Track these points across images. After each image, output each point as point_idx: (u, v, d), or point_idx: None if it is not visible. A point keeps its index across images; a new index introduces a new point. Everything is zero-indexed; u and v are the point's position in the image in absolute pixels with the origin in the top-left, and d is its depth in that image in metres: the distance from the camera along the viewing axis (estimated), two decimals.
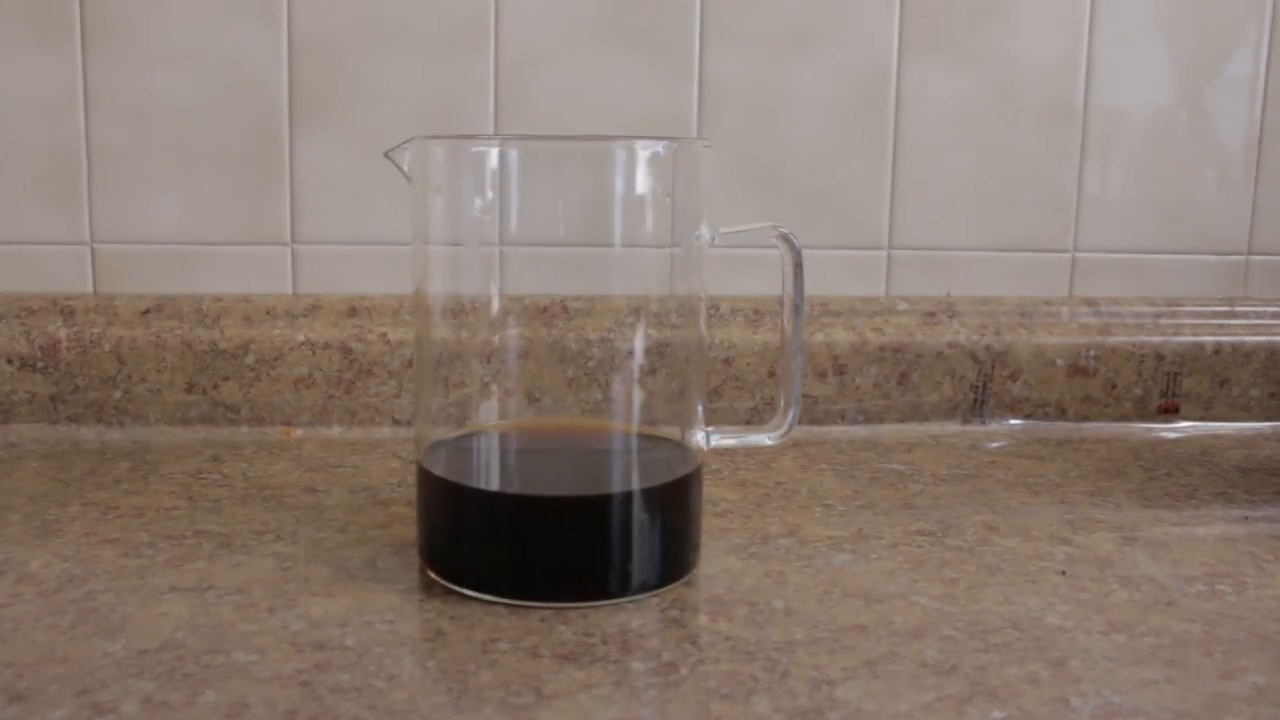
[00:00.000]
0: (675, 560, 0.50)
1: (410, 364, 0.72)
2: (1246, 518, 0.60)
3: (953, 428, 0.76)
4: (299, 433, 0.72)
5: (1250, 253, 0.80)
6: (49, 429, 0.71)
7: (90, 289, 0.74)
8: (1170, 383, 0.78)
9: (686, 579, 0.50)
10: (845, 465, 0.68)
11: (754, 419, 0.75)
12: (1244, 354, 0.78)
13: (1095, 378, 0.77)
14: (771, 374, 0.74)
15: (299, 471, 0.65)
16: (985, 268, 0.79)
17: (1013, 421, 0.77)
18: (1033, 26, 0.77)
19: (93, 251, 0.74)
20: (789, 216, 0.74)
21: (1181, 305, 0.79)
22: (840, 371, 0.75)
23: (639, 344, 0.51)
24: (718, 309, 0.75)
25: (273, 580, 0.50)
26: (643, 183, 0.49)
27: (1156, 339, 0.78)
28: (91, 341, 0.71)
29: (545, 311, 0.52)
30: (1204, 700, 0.41)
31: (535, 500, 0.47)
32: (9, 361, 0.71)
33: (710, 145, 0.52)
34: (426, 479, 0.50)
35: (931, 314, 0.77)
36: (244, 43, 0.72)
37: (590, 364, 0.53)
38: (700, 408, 0.53)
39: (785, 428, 0.53)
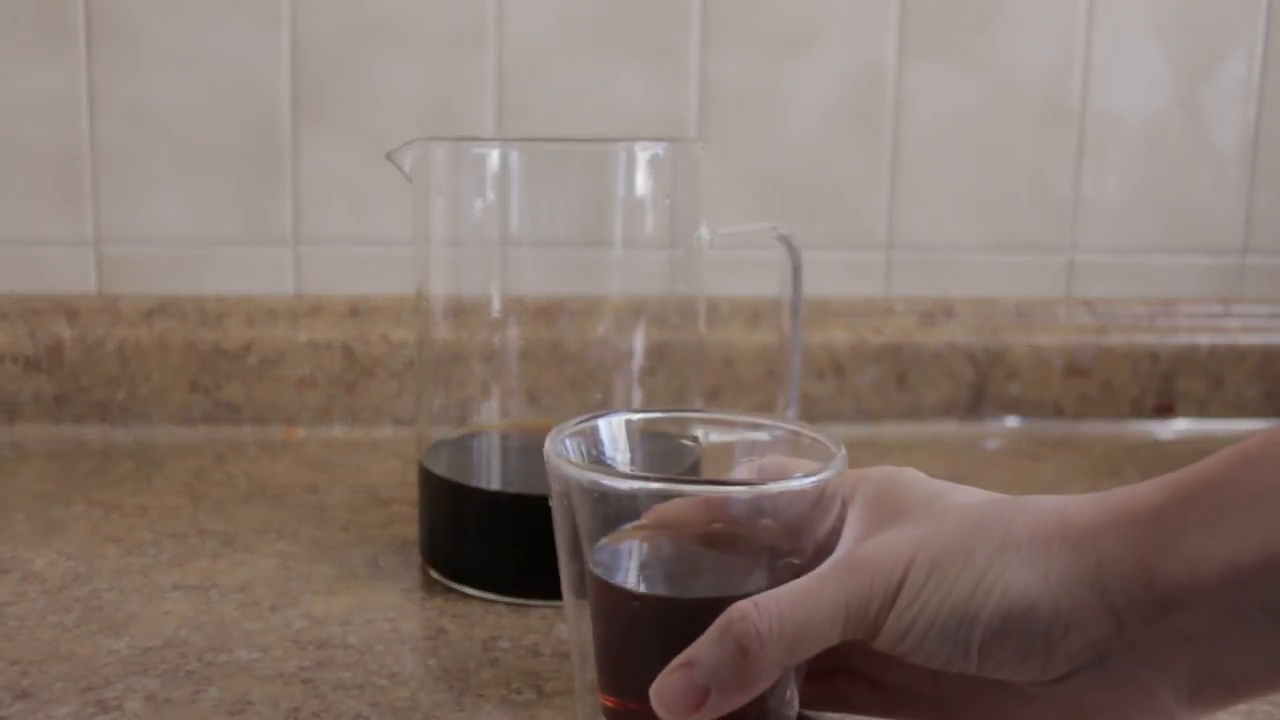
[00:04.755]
0: None
1: (411, 364, 0.73)
2: None
3: (951, 427, 0.76)
4: (301, 432, 0.73)
5: (1245, 253, 0.81)
6: (53, 429, 0.72)
7: (94, 290, 0.74)
8: (1166, 383, 0.78)
9: None
10: None
11: None
12: (1239, 354, 0.78)
13: (1092, 378, 0.77)
14: (771, 374, 0.75)
15: (301, 471, 0.66)
16: (983, 268, 0.79)
17: (1010, 421, 0.77)
18: (1030, 29, 0.77)
19: (97, 252, 0.74)
20: (788, 217, 0.74)
21: (1177, 306, 0.79)
22: (839, 372, 0.76)
23: (639, 344, 0.52)
24: (718, 309, 0.75)
25: (275, 579, 0.50)
26: (642, 184, 0.49)
27: (1152, 339, 0.78)
28: (95, 342, 0.72)
29: (545, 312, 0.53)
30: None
31: (536, 499, 0.47)
32: (14, 361, 0.71)
33: (710, 147, 0.53)
34: (428, 478, 0.50)
35: (929, 315, 0.77)
36: (246, 45, 0.73)
37: (590, 364, 0.53)
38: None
39: None
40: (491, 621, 0.46)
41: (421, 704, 0.40)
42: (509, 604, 0.48)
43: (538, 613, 0.47)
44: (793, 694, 0.35)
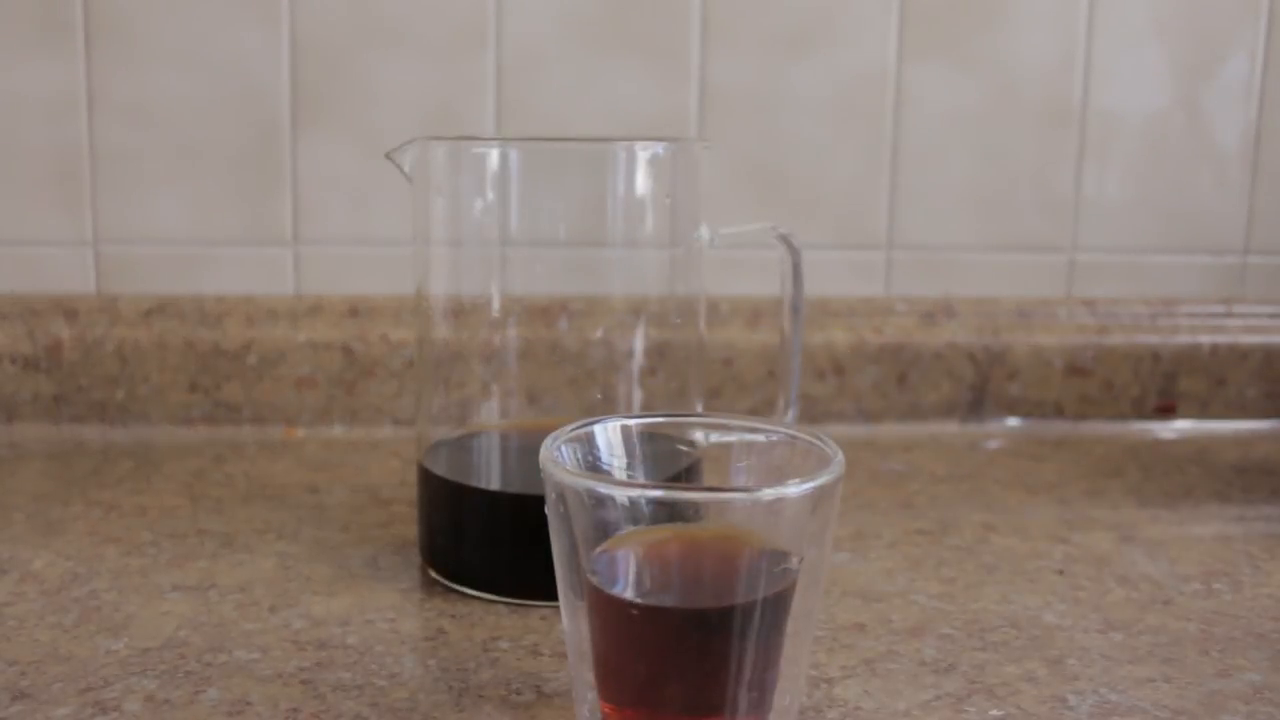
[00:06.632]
0: None
1: (411, 364, 0.73)
2: (1242, 517, 0.61)
3: (951, 428, 0.76)
4: (301, 432, 0.73)
5: (1247, 253, 0.81)
6: (52, 429, 0.72)
7: (93, 289, 0.74)
8: (1167, 383, 0.78)
9: None
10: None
11: None
12: (1240, 354, 0.78)
13: (1093, 378, 0.77)
14: (771, 374, 0.75)
15: (301, 471, 0.65)
16: (984, 268, 0.79)
17: (1011, 421, 0.77)
18: (1031, 29, 0.77)
19: (96, 252, 0.74)
20: (788, 217, 0.74)
21: (1178, 306, 0.79)
22: (839, 372, 0.76)
23: (639, 344, 0.52)
24: (718, 309, 0.75)
25: (275, 579, 0.50)
26: (642, 184, 0.49)
27: (1154, 339, 0.78)
28: (94, 342, 0.72)
29: (545, 312, 0.53)
30: (1200, 698, 0.41)
31: (536, 500, 0.47)
32: (13, 361, 0.71)
33: (710, 146, 0.53)
34: (428, 478, 0.50)
35: (930, 314, 0.77)
36: (246, 44, 0.73)
37: (590, 364, 0.53)
38: (699, 407, 0.53)
39: None
40: (491, 621, 0.46)
41: (421, 704, 0.40)
42: (509, 604, 0.48)
43: (538, 613, 0.47)
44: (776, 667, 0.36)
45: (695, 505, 0.35)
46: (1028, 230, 0.79)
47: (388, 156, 0.51)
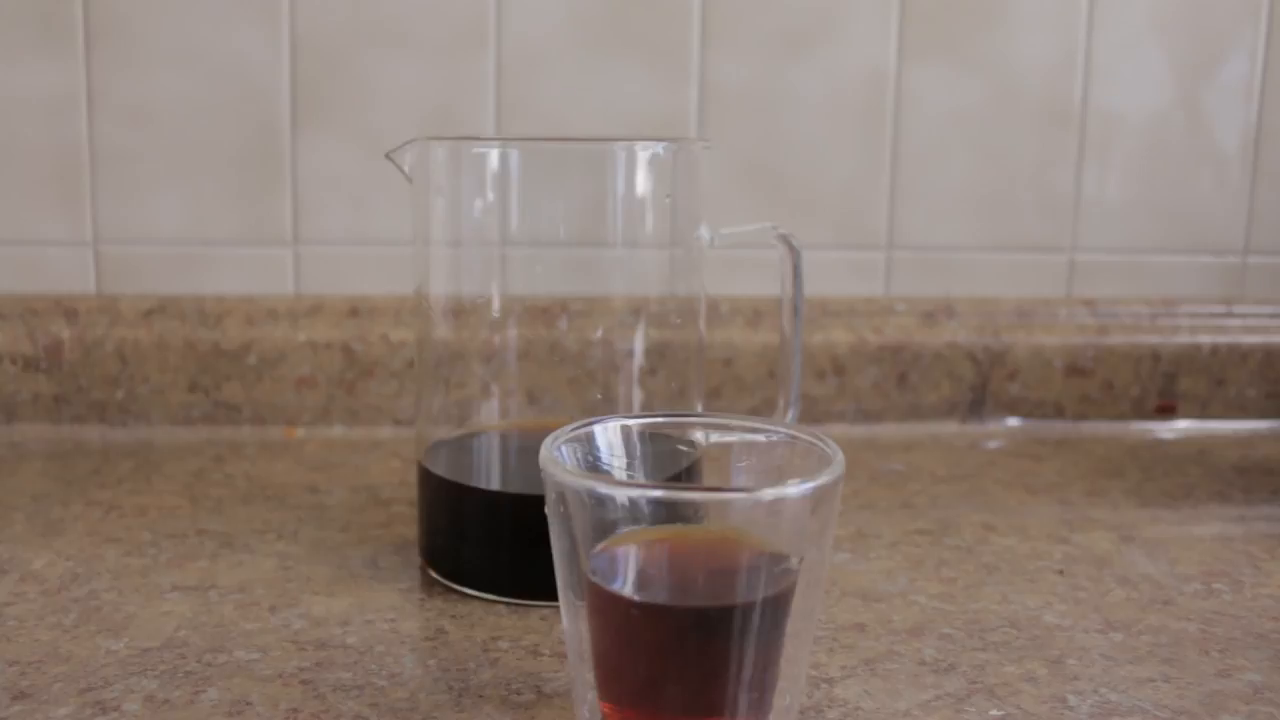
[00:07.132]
0: None
1: (411, 364, 0.73)
2: (1243, 517, 0.61)
3: (951, 428, 0.76)
4: (301, 432, 0.73)
5: (1247, 253, 0.80)
6: (52, 429, 0.72)
7: (93, 289, 0.74)
8: (1167, 383, 0.78)
9: None
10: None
11: None
12: (1240, 354, 0.78)
13: (1093, 378, 0.77)
14: (771, 374, 0.75)
15: (301, 471, 0.65)
16: (984, 268, 0.79)
17: (1011, 421, 0.77)
18: (1031, 29, 0.77)
19: (96, 252, 0.74)
20: (788, 217, 0.74)
21: (1178, 306, 0.79)
22: (839, 372, 0.76)
23: (639, 344, 0.52)
24: (718, 309, 0.75)
25: (274, 579, 0.50)
26: (643, 184, 0.49)
27: (1154, 339, 0.78)
28: (94, 342, 0.72)
29: (545, 312, 0.53)
30: (1201, 698, 0.41)
31: (536, 500, 0.47)
32: (13, 362, 0.71)
33: (710, 146, 0.53)
34: (427, 479, 0.50)
35: (930, 314, 0.77)
36: (246, 44, 0.73)
37: (590, 364, 0.53)
38: (699, 407, 0.53)
39: None
40: (491, 622, 0.46)
41: (421, 705, 0.40)
42: (509, 604, 0.48)
43: (538, 613, 0.47)
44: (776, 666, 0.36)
45: (695, 505, 0.35)
46: (1028, 230, 0.79)
47: (388, 156, 0.51)
